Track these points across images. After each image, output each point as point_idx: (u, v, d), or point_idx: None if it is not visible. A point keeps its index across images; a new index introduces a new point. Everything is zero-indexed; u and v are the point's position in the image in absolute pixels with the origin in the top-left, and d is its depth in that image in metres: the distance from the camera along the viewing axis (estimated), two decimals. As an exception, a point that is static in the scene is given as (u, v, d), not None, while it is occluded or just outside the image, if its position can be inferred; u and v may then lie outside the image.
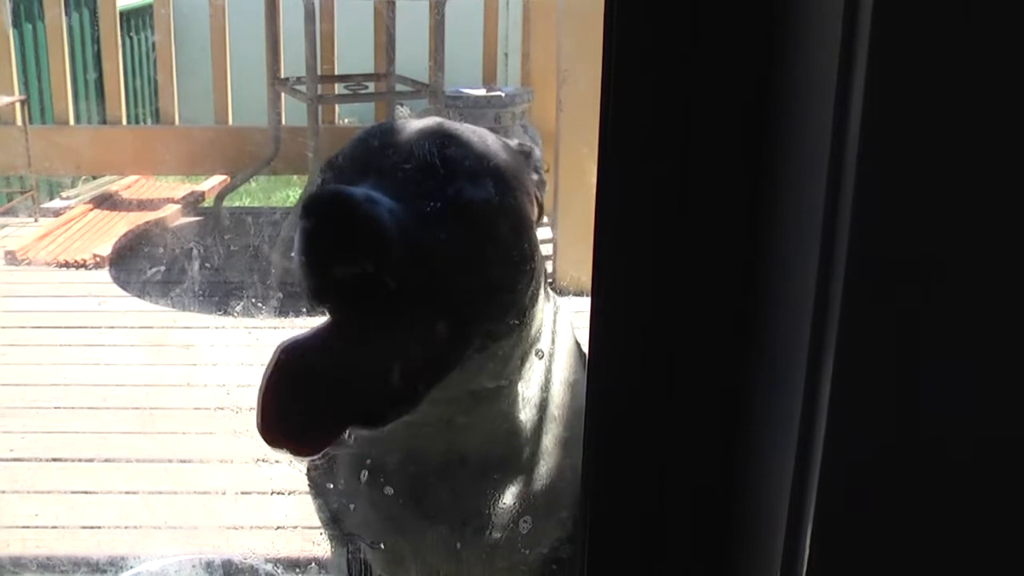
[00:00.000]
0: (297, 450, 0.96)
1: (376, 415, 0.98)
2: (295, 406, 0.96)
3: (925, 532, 0.56)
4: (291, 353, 0.98)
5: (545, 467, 1.15)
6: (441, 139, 1.04)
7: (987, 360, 0.53)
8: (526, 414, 1.13)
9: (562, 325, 1.19)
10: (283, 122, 4.05)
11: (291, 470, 1.35)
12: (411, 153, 1.02)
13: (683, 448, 0.70)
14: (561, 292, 1.23)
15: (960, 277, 0.52)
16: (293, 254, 0.95)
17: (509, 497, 1.14)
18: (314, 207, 0.91)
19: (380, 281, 0.93)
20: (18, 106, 4.22)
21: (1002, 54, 0.49)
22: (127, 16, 5.58)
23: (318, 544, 1.39)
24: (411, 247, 0.93)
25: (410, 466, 1.14)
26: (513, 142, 1.15)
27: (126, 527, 2.11)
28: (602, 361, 0.71)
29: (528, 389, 1.13)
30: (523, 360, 1.11)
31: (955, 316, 0.53)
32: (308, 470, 1.25)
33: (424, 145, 1.03)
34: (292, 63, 3.93)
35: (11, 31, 4.38)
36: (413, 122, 1.09)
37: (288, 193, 5.15)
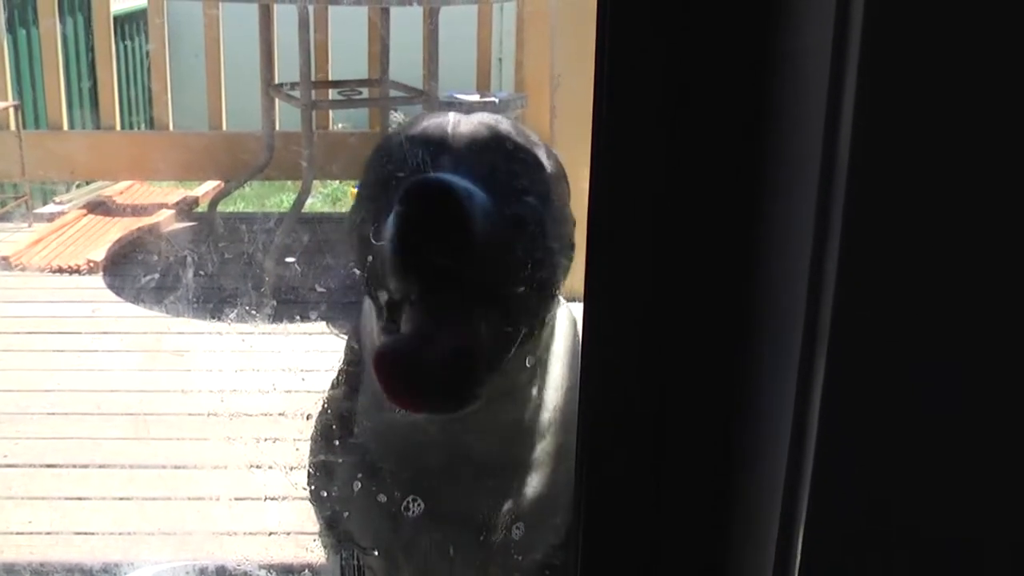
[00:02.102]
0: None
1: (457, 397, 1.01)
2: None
3: (918, 533, 0.56)
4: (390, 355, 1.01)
5: (544, 472, 1.15)
6: (505, 137, 1.07)
7: (975, 360, 0.53)
8: (533, 416, 1.13)
9: (570, 328, 1.19)
10: (277, 128, 4.05)
11: (284, 476, 1.35)
12: (482, 146, 1.05)
13: (677, 455, 0.70)
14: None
15: (951, 277, 0.52)
16: (386, 234, 0.97)
17: (509, 501, 1.14)
18: (418, 194, 0.94)
19: (462, 271, 0.96)
20: (12, 111, 4.21)
21: (994, 50, 0.50)
22: (121, 21, 5.56)
23: (311, 550, 1.39)
24: (495, 243, 0.96)
25: (415, 465, 1.14)
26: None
27: (120, 533, 2.10)
28: (595, 366, 0.71)
29: (536, 391, 1.13)
30: (540, 361, 1.12)
31: (944, 316, 0.53)
32: (308, 475, 1.25)
33: (494, 140, 1.06)
34: (286, 69, 3.92)
35: (5, 36, 4.37)
36: (470, 117, 1.10)
37: (282, 198, 5.15)
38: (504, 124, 1.09)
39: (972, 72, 0.50)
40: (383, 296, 1.03)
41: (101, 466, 2.38)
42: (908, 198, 0.51)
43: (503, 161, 1.04)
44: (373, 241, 1.02)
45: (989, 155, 0.51)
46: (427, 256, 0.95)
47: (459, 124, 1.07)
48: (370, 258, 1.03)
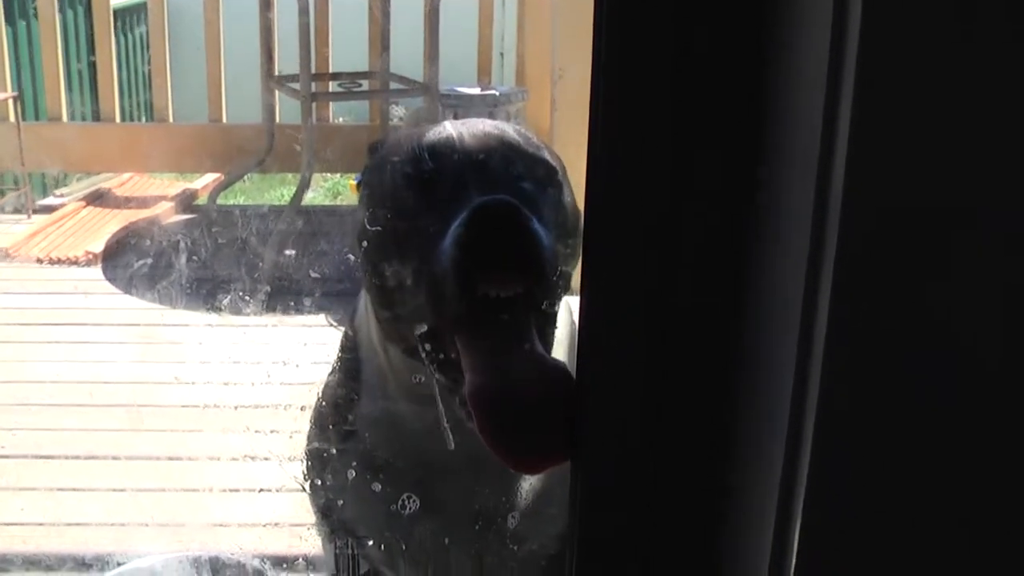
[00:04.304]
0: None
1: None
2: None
3: (913, 537, 0.56)
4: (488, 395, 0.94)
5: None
6: (529, 148, 1.06)
7: (971, 351, 0.53)
8: None
9: (567, 318, 1.19)
10: (277, 120, 4.04)
11: (278, 467, 1.35)
12: (512, 163, 1.03)
13: (673, 445, 0.70)
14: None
15: (948, 269, 0.52)
16: (446, 262, 0.93)
17: (507, 490, 1.14)
18: (485, 229, 0.91)
19: (530, 297, 0.94)
20: (11, 103, 4.21)
21: (992, 40, 0.49)
22: (120, 13, 5.57)
23: (306, 540, 1.38)
24: (554, 259, 0.95)
25: (413, 454, 1.14)
26: None
27: (113, 524, 2.10)
28: (592, 363, 0.70)
29: None
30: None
31: (940, 308, 0.52)
32: (303, 463, 1.25)
33: (522, 154, 1.05)
34: (287, 61, 3.92)
35: (4, 28, 4.36)
36: (482, 124, 1.08)
37: (282, 191, 5.15)
38: (509, 131, 1.08)
39: (969, 64, 0.50)
40: (419, 326, 1.01)
41: (95, 457, 2.38)
42: (904, 190, 0.51)
43: (525, 173, 1.04)
44: (387, 280, 1.01)
45: (986, 147, 0.50)
46: (500, 280, 0.93)
47: (463, 137, 1.05)
48: (400, 293, 1.01)
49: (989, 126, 0.50)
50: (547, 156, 1.07)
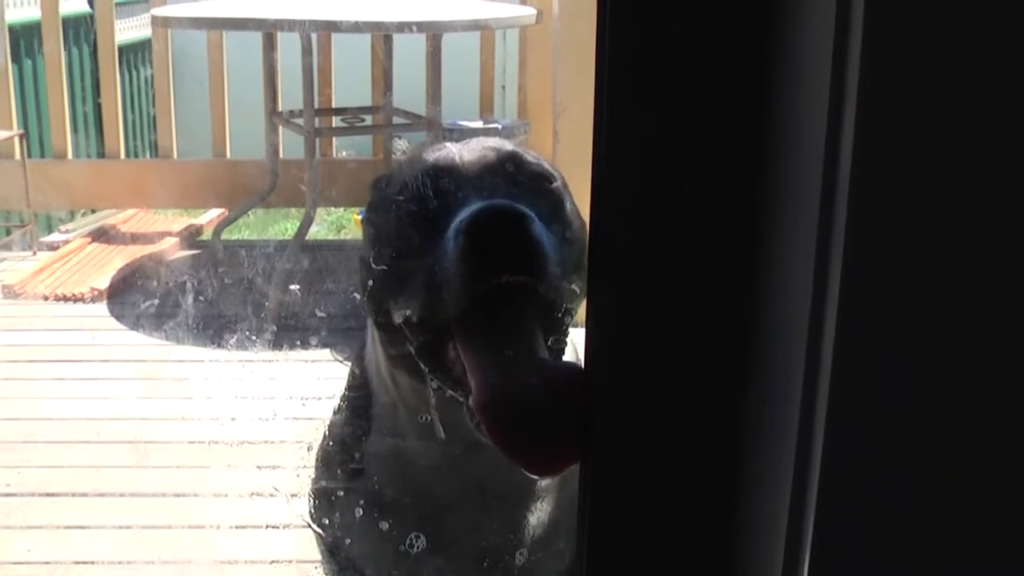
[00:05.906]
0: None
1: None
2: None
3: (926, 547, 0.56)
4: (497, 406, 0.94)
5: (549, 497, 1.14)
6: (529, 159, 1.08)
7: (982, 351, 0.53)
8: None
9: (572, 352, 1.18)
10: (281, 155, 4.06)
11: (285, 504, 1.34)
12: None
13: (681, 478, 0.69)
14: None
15: (959, 269, 0.52)
16: (448, 263, 0.95)
17: (515, 527, 1.13)
18: (487, 220, 0.94)
19: (534, 294, 0.95)
20: (17, 141, 4.23)
21: (994, 62, 0.49)
22: (125, 51, 5.60)
23: (313, 578, 1.38)
24: (557, 263, 0.96)
25: (421, 492, 1.13)
26: None
27: (120, 562, 2.09)
28: (597, 388, 0.70)
29: None
30: None
31: (951, 309, 0.52)
32: (309, 501, 1.24)
33: (519, 163, 1.06)
34: (290, 96, 3.94)
35: (10, 66, 4.39)
36: (481, 143, 1.10)
37: (286, 226, 5.15)
38: (507, 145, 1.09)
39: (976, 72, 0.50)
40: (417, 335, 1.02)
41: (101, 494, 2.37)
42: (910, 206, 0.51)
43: (526, 182, 1.05)
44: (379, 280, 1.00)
45: (993, 157, 0.50)
46: (502, 279, 0.94)
47: (463, 152, 1.06)
48: (394, 302, 1.01)
49: (999, 135, 0.50)
50: (551, 183, 1.08)
